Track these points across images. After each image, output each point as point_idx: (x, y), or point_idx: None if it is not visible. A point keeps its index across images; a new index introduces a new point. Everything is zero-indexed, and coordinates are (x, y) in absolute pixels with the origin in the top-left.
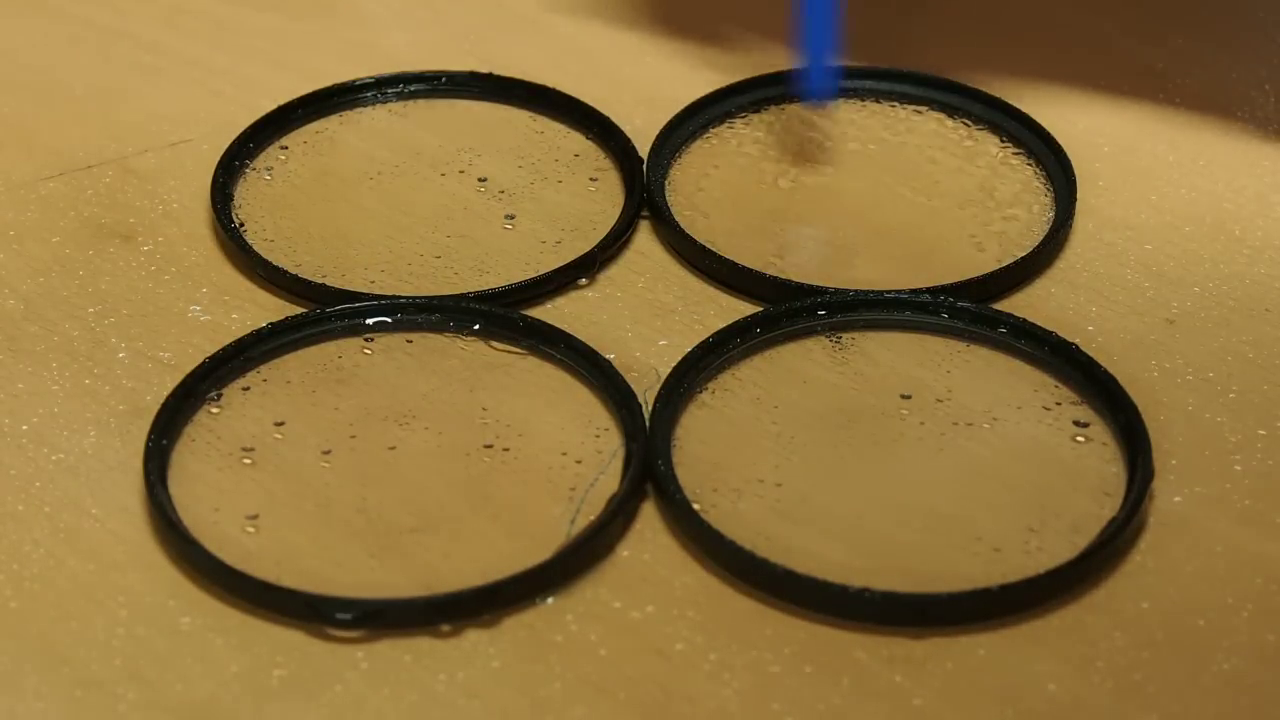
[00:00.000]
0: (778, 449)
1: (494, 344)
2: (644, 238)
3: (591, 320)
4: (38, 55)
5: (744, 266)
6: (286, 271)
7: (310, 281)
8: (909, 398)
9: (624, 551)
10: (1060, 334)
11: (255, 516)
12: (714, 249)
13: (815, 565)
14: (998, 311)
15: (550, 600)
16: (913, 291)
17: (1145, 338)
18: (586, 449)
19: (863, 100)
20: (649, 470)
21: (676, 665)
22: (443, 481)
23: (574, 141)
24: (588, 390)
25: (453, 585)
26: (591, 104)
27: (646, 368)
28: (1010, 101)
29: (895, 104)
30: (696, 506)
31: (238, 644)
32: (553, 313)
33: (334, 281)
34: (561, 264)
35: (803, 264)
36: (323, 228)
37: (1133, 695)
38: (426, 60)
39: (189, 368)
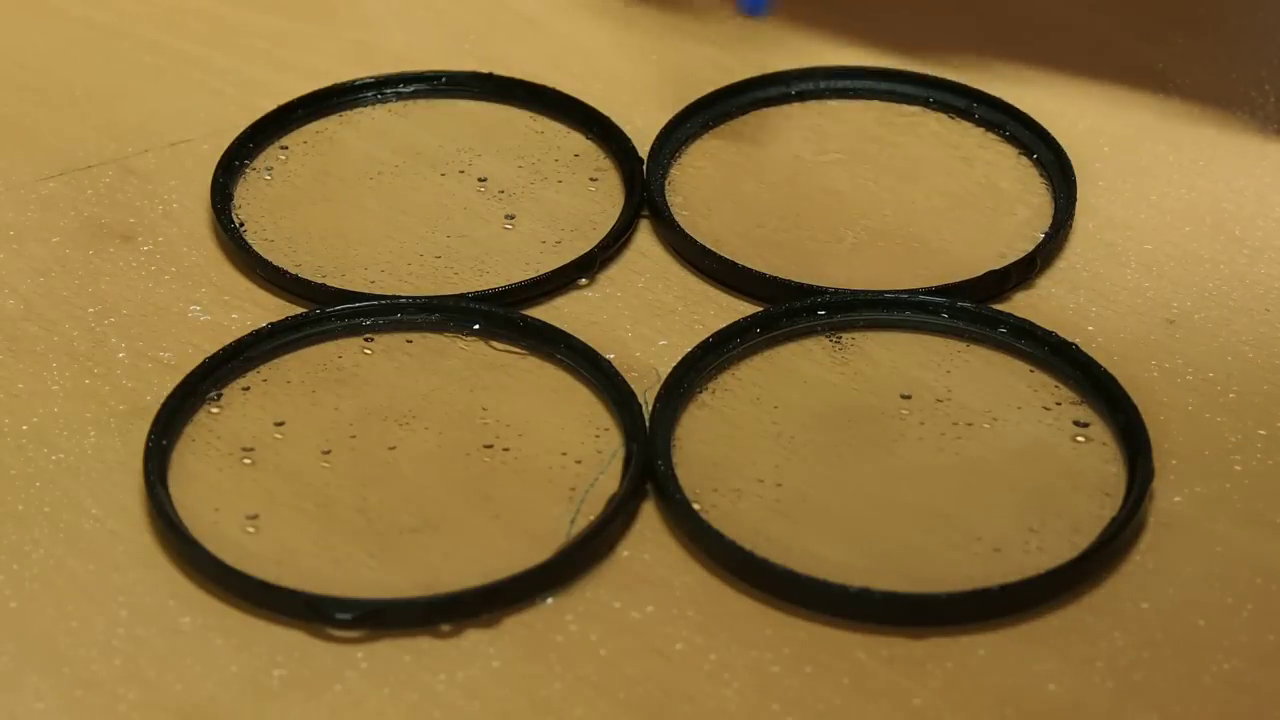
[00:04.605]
0: (778, 449)
1: (494, 344)
2: (644, 238)
3: (591, 320)
4: (38, 55)
5: (744, 266)
6: (286, 271)
7: (310, 281)
8: (909, 398)
9: (624, 551)
10: (1060, 334)
11: (255, 516)
12: (714, 249)
13: (815, 565)
14: (998, 311)
15: (550, 600)
16: (912, 291)
17: (1145, 338)
18: (586, 449)
19: (863, 100)
20: (649, 470)
21: (676, 665)
22: (443, 481)
23: (574, 141)
24: (588, 390)
25: (453, 585)
26: (591, 104)
27: (646, 368)
28: (1010, 101)
29: (895, 104)
30: (696, 506)
31: (238, 644)
32: (553, 313)
33: (334, 281)
34: (561, 264)
35: (802, 264)
36: (323, 228)
37: (1133, 695)
38: (426, 60)
39: (189, 368)
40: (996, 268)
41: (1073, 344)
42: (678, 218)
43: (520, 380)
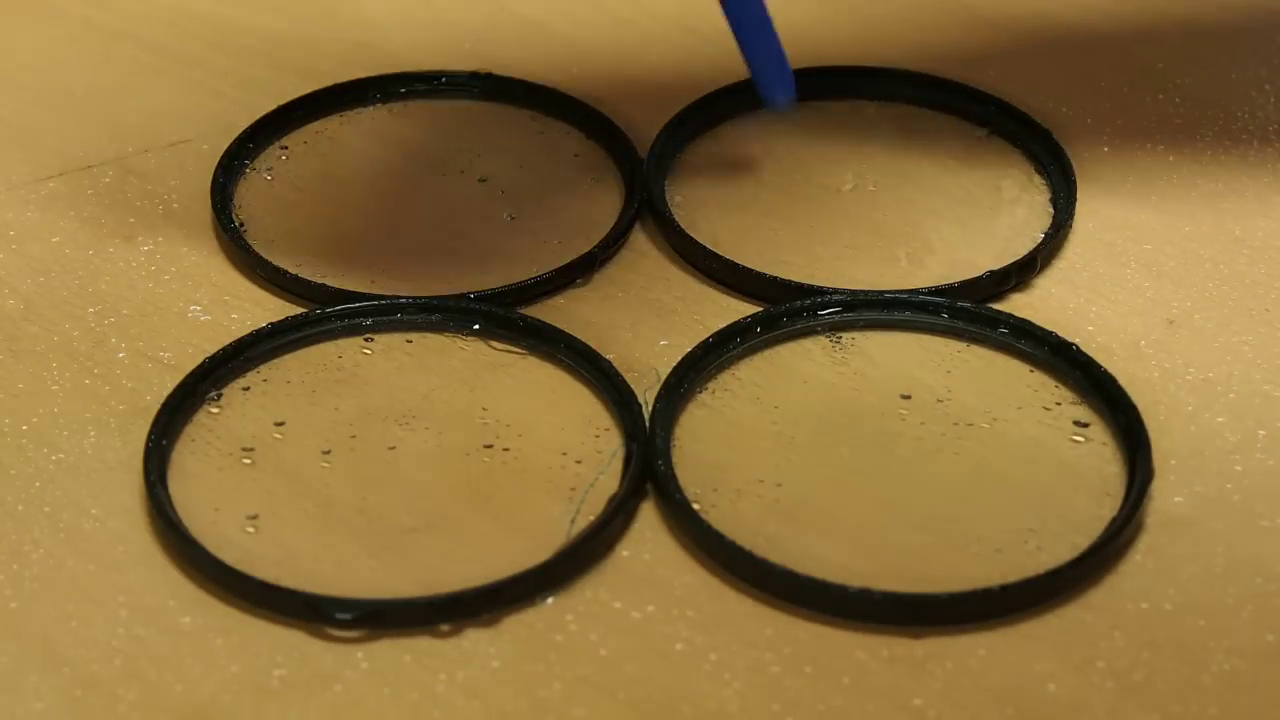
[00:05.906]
0: (778, 449)
1: (494, 344)
2: (644, 238)
3: (591, 320)
4: (38, 55)
5: (744, 266)
6: (286, 271)
7: (310, 281)
8: (909, 398)
9: (624, 551)
10: (1060, 334)
11: (255, 516)
12: (714, 249)
13: (815, 565)
14: (998, 311)
15: (550, 600)
16: (912, 291)
17: (1145, 338)
18: (586, 449)
19: (863, 100)
20: (649, 470)
21: (676, 665)
22: (443, 481)
23: (574, 141)
24: (588, 390)
25: (453, 585)
26: (591, 104)
27: (646, 368)
28: (1010, 101)
29: (896, 104)
30: (696, 506)
31: (238, 644)
32: (553, 313)
33: (334, 281)
34: (561, 264)
35: (802, 264)
36: (323, 228)
37: (1133, 695)
38: (426, 60)
39: (189, 368)
40: (996, 268)
41: (1073, 344)
42: (678, 218)
43: (520, 380)
